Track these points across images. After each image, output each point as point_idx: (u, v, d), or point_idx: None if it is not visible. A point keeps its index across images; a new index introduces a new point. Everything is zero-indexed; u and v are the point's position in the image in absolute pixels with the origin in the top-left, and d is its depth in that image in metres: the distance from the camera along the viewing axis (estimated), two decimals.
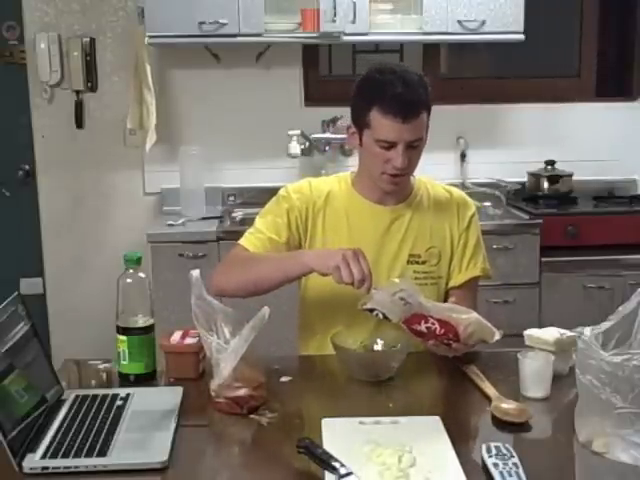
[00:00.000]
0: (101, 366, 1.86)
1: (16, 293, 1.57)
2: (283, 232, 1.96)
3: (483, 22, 3.38)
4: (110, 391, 1.67)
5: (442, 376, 1.73)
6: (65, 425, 1.51)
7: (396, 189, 1.94)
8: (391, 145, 1.84)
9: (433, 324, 1.61)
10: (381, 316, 1.68)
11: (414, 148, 1.86)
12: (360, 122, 1.90)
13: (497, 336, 1.66)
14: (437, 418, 1.51)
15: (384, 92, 1.83)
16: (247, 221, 3.47)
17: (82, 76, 3.59)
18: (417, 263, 1.98)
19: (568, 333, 1.73)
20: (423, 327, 1.63)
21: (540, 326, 1.84)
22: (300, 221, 1.97)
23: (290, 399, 1.68)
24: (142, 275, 1.75)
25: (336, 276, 1.69)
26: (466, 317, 1.64)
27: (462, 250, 2.01)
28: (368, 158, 1.92)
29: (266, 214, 2.00)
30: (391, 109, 1.81)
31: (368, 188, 1.97)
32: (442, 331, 1.62)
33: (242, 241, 1.98)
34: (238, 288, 1.89)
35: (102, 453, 1.40)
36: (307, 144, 3.67)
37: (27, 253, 3.76)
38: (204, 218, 3.44)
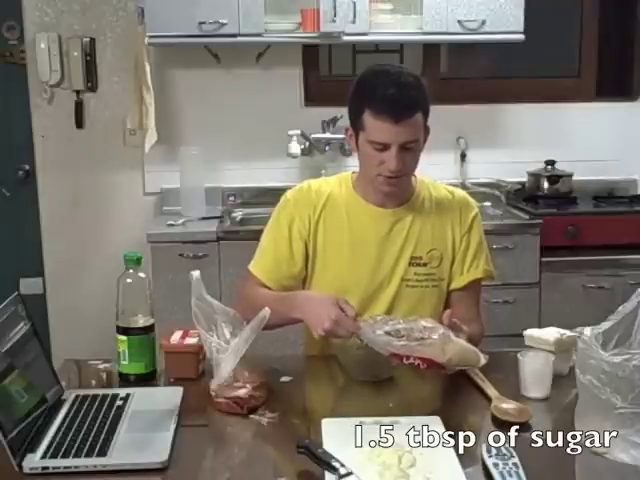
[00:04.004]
0: (101, 366, 1.86)
1: (16, 293, 1.57)
2: (286, 247, 1.98)
3: (483, 22, 3.38)
4: (110, 391, 1.68)
5: (442, 376, 1.72)
6: (65, 425, 1.51)
7: (393, 191, 1.93)
8: (385, 147, 1.83)
9: (415, 360, 1.60)
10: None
11: (409, 150, 1.85)
12: (355, 124, 1.90)
13: (483, 361, 1.63)
14: (437, 418, 1.51)
15: (376, 93, 1.83)
16: (247, 221, 3.48)
17: (82, 76, 3.59)
18: (418, 265, 1.97)
19: (568, 333, 1.73)
20: (406, 363, 1.62)
21: (540, 326, 1.84)
22: (303, 228, 1.98)
23: (290, 399, 1.68)
24: (142, 275, 1.76)
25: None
26: (446, 348, 1.60)
27: (464, 252, 2.00)
28: (364, 160, 1.92)
29: (269, 229, 2.03)
30: (382, 110, 1.81)
31: (369, 190, 1.97)
32: (425, 366, 1.60)
33: (252, 266, 2.01)
34: None
35: (102, 453, 1.40)
36: (307, 144, 3.67)
37: (27, 253, 3.75)
38: (204, 218, 3.43)
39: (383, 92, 1.81)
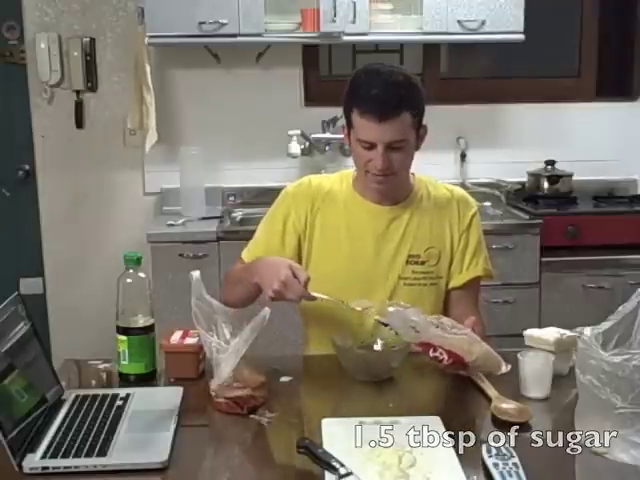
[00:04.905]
0: (101, 366, 1.86)
1: (16, 293, 1.57)
2: (278, 239, 2.00)
3: (483, 22, 3.38)
4: (110, 391, 1.67)
5: (442, 376, 1.73)
6: (65, 425, 1.51)
7: (382, 189, 1.94)
8: (371, 145, 1.85)
9: (441, 354, 1.63)
10: (394, 332, 1.73)
11: (397, 149, 1.86)
12: (347, 122, 1.92)
13: (504, 369, 1.65)
14: (437, 418, 1.51)
15: (361, 92, 1.85)
16: (247, 221, 3.48)
17: (82, 76, 3.59)
18: (416, 263, 1.97)
19: (568, 333, 1.73)
20: (431, 355, 1.65)
21: (540, 326, 1.84)
22: (298, 222, 1.99)
23: (290, 399, 1.68)
24: (142, 275, 1.76)
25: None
26: (473, 348, 1.63)
27: (463, 250, 2.00)
28: (355, 158, 1.94)
29: (265, 220, 2.06)
30: (367, 109, 1.82)
31: (366, 188, 1.98)
32: (450, 361, 1.64)
33: (243, 253, 2.06)
34: (235, 305, 1.91)
35: (102, 453, 1.40)
36: (307, 144, 3.67)
37: (27, 253, 3.75)
38: (204, 218, 3.43)
39: (368, 91, 1.83)
